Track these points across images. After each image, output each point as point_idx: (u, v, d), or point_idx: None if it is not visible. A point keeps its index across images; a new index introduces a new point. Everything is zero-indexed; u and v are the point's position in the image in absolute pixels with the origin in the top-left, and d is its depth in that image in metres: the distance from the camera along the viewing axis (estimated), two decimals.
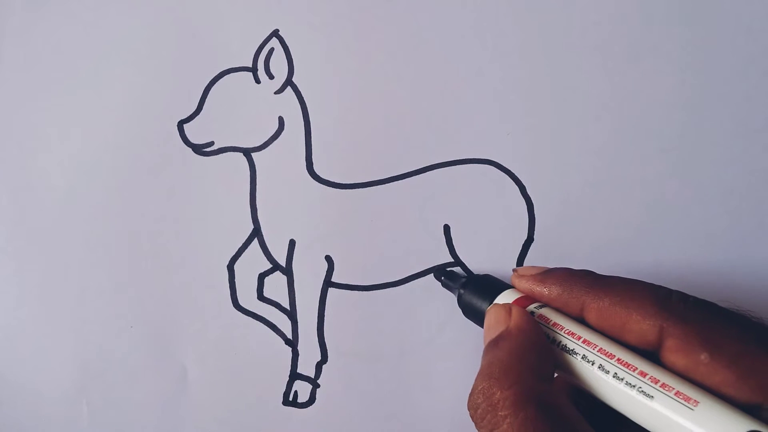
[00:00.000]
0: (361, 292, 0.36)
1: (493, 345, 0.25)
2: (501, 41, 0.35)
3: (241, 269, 0.36)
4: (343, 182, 0.36)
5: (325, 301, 0.36)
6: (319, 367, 0.36)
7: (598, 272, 0.27)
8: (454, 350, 0.35)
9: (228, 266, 0.36)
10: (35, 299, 0.37)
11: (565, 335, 0.25)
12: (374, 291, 0.35)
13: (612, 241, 0.34)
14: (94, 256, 0.37)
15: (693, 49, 0.34)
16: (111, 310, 0.37)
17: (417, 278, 0.35)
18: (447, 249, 0.35)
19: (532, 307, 0.27)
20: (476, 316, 0.30)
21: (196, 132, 0.37)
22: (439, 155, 0.35)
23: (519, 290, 0.29)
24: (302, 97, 0.36)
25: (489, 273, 0.33)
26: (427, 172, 0.35)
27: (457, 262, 0.35)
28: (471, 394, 0.24)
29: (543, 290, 0.27)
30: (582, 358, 0.24)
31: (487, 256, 0.35)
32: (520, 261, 0.35)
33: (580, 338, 0.24)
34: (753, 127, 0.34)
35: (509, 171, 0.35)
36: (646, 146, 0.34)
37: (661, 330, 0.23)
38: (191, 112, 0.37)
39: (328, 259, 0.36)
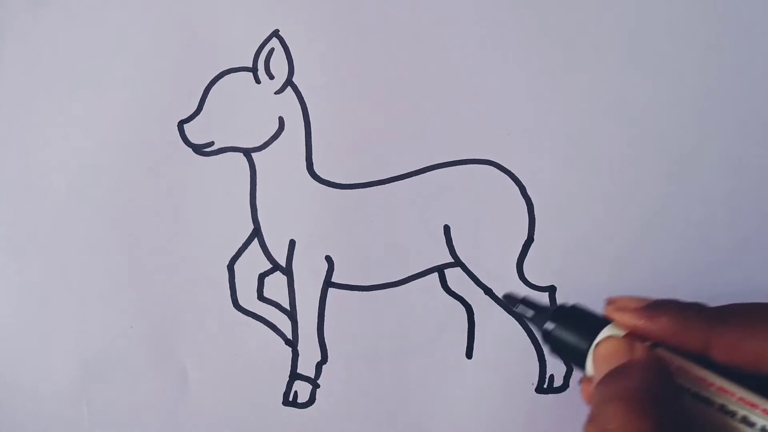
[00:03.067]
0: (361, 292, 0.36)
1: (612, 380, 0.22)
2: (501, 41, 0.35)
3: (241, 269, 0.36)
4: (343, 182, 0.36)
5: (325, 301, 0.36)
6: (319, 367, 0.36)
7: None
8: (454, 350, 0.35)
9: (228, 266, 0.36)
10: (35, 299, 0.37)
11: (695, 381, 0.22)
12: (374, 291, 0.35)
13: (612, 242, 0.34)
14: (94, 256, 0.37)
15: (693, 49, 0.34)
16: (111, 310, 0.37)
17: (417, 278, 0.35)
18: (447, 249, 0.35)
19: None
20: (570, 354, 0.25)
21: (196, 132, 0.37)
22: (439, 155, 0.35)
23: (621, 325, 0.24)
24: (302, 97, 0.36)
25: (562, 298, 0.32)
26: (427, 172, 0.35)
27: (457, 262, 0.35)
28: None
29: (654, 327, 0.23)
30: (719, 408, 0.22)
31: (487, 256, 0.35)
32: (520, 261, 0.35)
33: (712, 385, 0.22)
34: (753, 127, 0.34)
35: (509, 171, 0.35)
36: (646, 146, 0.34)
37: None
38: (191, 112, 0.37)
39: (328, 259, 0.36)
